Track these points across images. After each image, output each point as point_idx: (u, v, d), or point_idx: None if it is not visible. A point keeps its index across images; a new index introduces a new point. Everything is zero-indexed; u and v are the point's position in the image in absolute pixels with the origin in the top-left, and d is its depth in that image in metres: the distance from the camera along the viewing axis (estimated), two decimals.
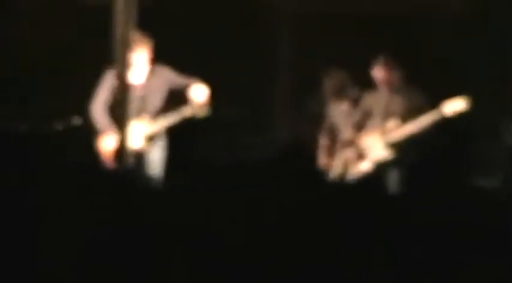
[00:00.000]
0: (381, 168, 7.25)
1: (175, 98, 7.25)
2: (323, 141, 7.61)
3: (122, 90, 6.44)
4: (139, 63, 7.09)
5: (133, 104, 6.87)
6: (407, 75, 7.72)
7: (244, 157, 7.73)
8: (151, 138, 7.31)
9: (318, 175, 4.12)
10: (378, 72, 7.36)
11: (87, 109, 7.28)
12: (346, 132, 7.58)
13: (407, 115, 7.43)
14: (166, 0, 8.53)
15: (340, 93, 7.57)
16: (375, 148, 7.36)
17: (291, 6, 9.30)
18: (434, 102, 7.57)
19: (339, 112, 7.60)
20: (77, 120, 7.71)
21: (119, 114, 6.55)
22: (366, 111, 7.54)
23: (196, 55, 8.51)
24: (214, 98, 7.49)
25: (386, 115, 7.44)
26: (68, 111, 8.04)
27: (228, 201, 3.59)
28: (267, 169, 3.90)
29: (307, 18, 9.17)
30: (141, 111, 7.18)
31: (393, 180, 6.93)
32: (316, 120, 7.93)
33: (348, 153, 7.55)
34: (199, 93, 7.21)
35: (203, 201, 3.59)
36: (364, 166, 7.27)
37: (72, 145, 7.69)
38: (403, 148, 7.37)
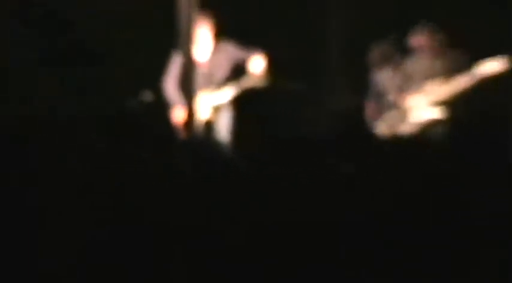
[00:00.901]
0: (427, 128, 7.80)
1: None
2: (370, 107, 8.24)
3: (189, 67, 6.97)
4: (203, 40, 7.75)
5: (200, 79, 7.39)
6: (449, 37, 8.20)
7: (304, 129, 8.28)
8: (217, 109, 8.00)
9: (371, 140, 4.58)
10: (417, 40, 7.97)
11: (159, 85, 7.93)
12: (390, 96, 8.21)
13: (450, 77, 7.96)
14: None
15: (384, 62, 8.16)
16: (418, 108, 7.95)
17: None
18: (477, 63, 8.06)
19: (383, 78, 8.21)
20: (148, 96, 8.21)
21: (187, 89, 7.10)
22: (407, 75, 8.11)
23: (247, 30, 8.88)
24: (272, 72, 7.97)
25: (428, 78, 7.99)
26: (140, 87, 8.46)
27: (295, 172, 3.64)
28: (330, 141, 4.11)
29: None
30: (208, 85, 7.87)
31: (437, 139, 7.54)
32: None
33: (393, 115, 8.24)
34: (256, 65, 7.87)
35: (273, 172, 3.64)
36: (409, 127, 7.86)
37: (148, 118, 8.38)
38: (448, 108, 7.92)
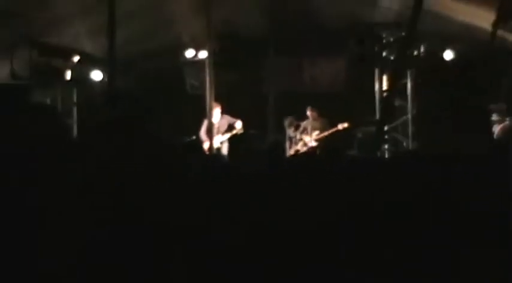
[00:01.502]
0: (314, 149, 13.80)
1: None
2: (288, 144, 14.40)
3: (211, 126, 12.43)
4: (216, 114, 13.37)
5: (215, 130, 12.98)
6: (320, 112, 14.34)
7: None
8: (222, 142, 13.64)
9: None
10: (309, 112, 14.37)
11: (198, 131, 13.63)
12: (296, 137, 14.50)
13: (321, 130, 14.31)
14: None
15: (291, 124, 14.42)
16: (309, 142, 14.35)
17: None
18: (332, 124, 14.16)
19: (291, 131, 14.54)
20: (191, 137, 13.55)
21: (210, 134, 12.56)
22: (304, 128, 14.58)
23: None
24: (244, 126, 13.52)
25: (313, 129, 14.45)
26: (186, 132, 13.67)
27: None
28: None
29: None
30: (218, 133, 13.51)
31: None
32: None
33: (298, 146, 14.53)
34: (238, 124, 13.81)
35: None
36: (304, 149, 14.18)
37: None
38: (320, 142, 14.11)
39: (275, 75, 15.47)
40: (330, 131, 14.14)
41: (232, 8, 13.36)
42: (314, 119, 14.65)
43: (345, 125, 13.97)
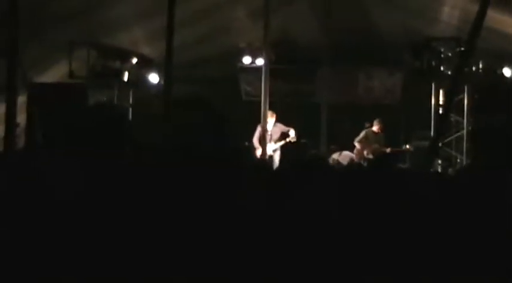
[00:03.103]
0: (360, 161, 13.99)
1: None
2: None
3: (264, 133, 12.72)
4: (270, 122, 13.45)
5: (268, 138, 13.02)
6: (384, 126, 14.45)
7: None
8: (275, 150, 13.95)
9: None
10: (377, 124, 14.37)
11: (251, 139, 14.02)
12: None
13: (380, 144, 14.32)
14: None
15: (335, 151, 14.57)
16: (364, 153, 14.53)
17: None
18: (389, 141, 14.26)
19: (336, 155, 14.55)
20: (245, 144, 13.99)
21: (263, 142, 12.88)
22: (364, 137, 14.45)
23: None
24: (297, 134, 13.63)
25: (373, 142, 14.44)
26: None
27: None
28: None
29: None
30: (271, 141, 13.72)
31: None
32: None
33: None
34: (292, 133, 14.02)
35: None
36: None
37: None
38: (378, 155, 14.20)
39: (329, 86, 15.60)
40: (393, 150, 14.19)
41: (289, 17, 13.48)
42: (377, 132, 14.61)
43: (410, 148, 14.08)
